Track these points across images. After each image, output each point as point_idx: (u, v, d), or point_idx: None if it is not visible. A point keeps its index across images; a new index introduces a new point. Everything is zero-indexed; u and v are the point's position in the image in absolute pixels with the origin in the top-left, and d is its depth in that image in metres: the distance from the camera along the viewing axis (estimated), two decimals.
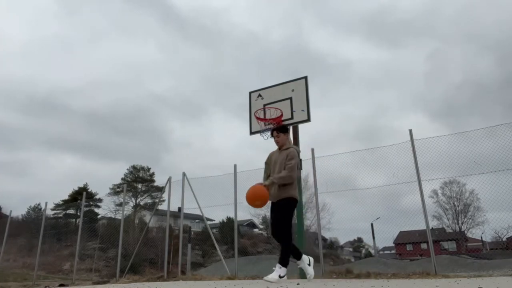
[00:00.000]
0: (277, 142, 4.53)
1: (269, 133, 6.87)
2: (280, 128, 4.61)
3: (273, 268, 4.12)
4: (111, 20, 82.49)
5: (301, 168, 7.32)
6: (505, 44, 73.13)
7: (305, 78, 7.12)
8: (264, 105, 7.17)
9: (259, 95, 7.41)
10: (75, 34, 77.64)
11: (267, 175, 4.54)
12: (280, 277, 4.02)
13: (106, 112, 65.85)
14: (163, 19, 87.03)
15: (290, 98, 7.00)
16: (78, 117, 61.71)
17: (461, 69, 73.97)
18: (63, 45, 75.99)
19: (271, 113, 6.92)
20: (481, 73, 68.84)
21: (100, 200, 31.81)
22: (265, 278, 4.07)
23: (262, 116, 7.02)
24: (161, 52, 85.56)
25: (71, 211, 31.12)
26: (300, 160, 7.25)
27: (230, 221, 20.59)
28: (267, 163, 4.63)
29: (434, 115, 62.45)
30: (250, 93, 7.56)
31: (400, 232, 28.26)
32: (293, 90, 7.07)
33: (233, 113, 72.30)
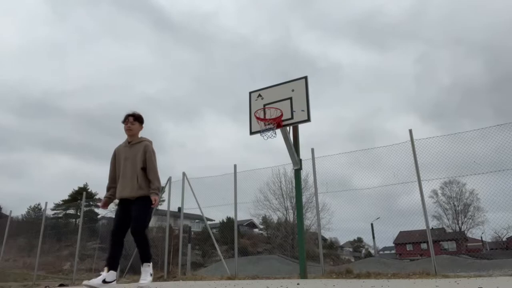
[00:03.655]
0: (129, 130, 4.01)
1: (269, 133, 6.89)
2: (138, 117, 4.10)
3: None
4: (103, 25, 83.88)
5: (301, 168, 7.32)
6: (492, 49, 74.03)
7: (305, 78, 7.12)
8: (264, 105, 7.17)
9: (259, 95, 7.41)
10: (67, 39, 79.64)
11: (113, 175, 4.05)
12: (151, 275, 3.79)
13: (100, 114, 66.16)
14: (154, 23, 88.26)
15: (290, 98, 7.01)
16: (72, 119, 62.19)
17: (450, 72, 74.74)
18: (55, 49, 77.55)
19: (271, 113, 6.92)
20: (470, 76, 69.78)
21: (100, 200, 31.68)
22: (139, 284, 3.71)
23: (262, 116, 7.02)
24: (152, 55, 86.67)
25: (71, 211, 31.11)
26: (300, 160, 7.27)
27: (230, 221, 20.56)
28: (115, 160, 4.07)
29: (425, 117, 62.95)
30: (250, 93, 7.56)
31: (400, 232, 28.23)
32: (293, 90, 7.07)
33: (227, 115, 72.98)
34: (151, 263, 3.81)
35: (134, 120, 4.04)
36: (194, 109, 75.19)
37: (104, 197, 4.09)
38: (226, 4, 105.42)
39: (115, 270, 3.75)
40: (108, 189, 4.07)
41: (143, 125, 4.18)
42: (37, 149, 62.46)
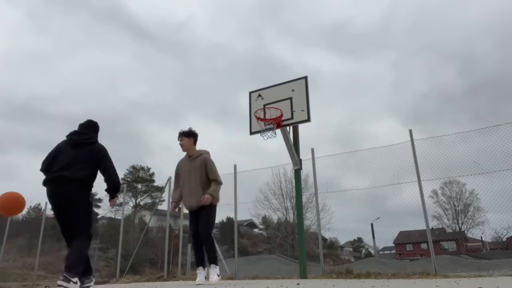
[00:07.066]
0: (181, 146, 4.62)
1: (269, 133, 6.89)
2: (185, 133, 4.62)
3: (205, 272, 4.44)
4: (83, 34, 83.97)
5: (301, 168, 7.32)
6: (463, 57, 75.66)
7: (305, 78, 7.11)
8: (264, 105, 7.17)
9: (259, 95, 7.41)
10: (50, 46, 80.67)
11: (179, 186, 4.65)
12: (218, 275, 4.37)
13: (84, 118, 66.44)
14: (132, 32, 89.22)
15: (290, 98, 7.00)
16: (57, 123, 62.55)
17: (426, 79, 75.63)
18: (39, 56, 78.71)
19: (271, 113, 6.92)
20: (446, 83, 70.86)
21: (100, 200, 31.73)
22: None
23: (262, 116, 7.01)
24: (134, 62, 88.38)
25: None
26: (300, 160, 7.27)
27: (230, 221, 20.57)
28: (178, 173, 4.72)
29: (406, 122, 63.49)
30: (250, 93, 7.56)
31: (400, 232, 28.24)
32: (293, 90, 7.07)
33: (211, 119, 73.95)
34: (218, 265, 4.43)
35: (182, 137, 4.60)
36: (178, 113, 75.89)
37: (172, 202, 4.79)
38: (197, 14, 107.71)
39: (204, 267, 4.44)
40: (174, 196, 4.74)
41: (194, 138, 4.66)
42: (27, 152, 62.87)
